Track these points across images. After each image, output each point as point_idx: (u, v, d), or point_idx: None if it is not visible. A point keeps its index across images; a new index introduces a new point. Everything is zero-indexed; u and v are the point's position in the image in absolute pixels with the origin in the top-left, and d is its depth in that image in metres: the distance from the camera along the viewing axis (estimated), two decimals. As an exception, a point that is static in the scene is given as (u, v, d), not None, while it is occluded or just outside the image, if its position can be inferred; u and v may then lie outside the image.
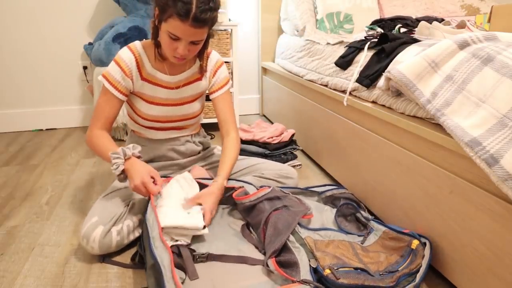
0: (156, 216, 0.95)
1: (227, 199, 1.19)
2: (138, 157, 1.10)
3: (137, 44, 1.17)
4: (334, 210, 1.21)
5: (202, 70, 1.25)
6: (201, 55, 1.20)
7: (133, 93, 1.20)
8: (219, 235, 1.06)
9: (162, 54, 1.16)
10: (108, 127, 1.17)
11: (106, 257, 1.04)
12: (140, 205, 1.13)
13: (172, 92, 1.22)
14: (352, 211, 1.17)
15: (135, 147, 1.10)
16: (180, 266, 0.87)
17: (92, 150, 1.18)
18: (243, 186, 1.18)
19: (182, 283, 0.83)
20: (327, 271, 0.87)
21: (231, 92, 1.35)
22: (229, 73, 2.22)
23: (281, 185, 1.33)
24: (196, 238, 1.01)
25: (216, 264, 0.93)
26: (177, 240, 0.96)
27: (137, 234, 1.10)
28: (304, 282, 0.83)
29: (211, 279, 0.87)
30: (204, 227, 0.99)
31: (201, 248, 0.98)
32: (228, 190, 1.18)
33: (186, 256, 0.90)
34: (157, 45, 1.14)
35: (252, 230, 1.09)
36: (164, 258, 0.82)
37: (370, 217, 1.12)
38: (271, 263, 0.89)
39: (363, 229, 1.12)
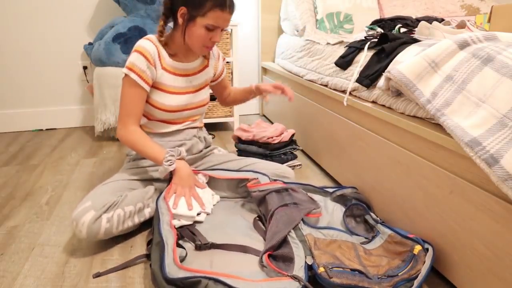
0: (167, 205, 1.08)
1: (242, 190, 1.30)
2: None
3: (153, 37, 1.21)
4: (344, 209, 1.21)
5: (208, 57, 1.36)
6: None
7: (153, 84, 1.22)
8: (232, 227, 1.12)
9: (175, 51, 1.24)
10: (139, 121, 1.22)
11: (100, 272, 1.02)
12: (134, 197, 1.13)
13: (189, 79, 1.28)
14: (362, 212, 1.17)
15: (182, 150, 1.22)
16: (190, 237, 1.05)
17: (129, 146, 1.22)
18: (257, 178, 1.24)
19: (182, 261, 0.95)
20: (321, 269, 0.88)
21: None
22: (229, 73, 2.22)
23: None
24: (209, 226, 1.12)
25: (218, 251, 1.01)
26: (179, 220, 1.09)
27: (126, 226, 1.10)
28: (293, 277, 0.84)
29: (210, 261, 0.96)
30: (198, 214, 1.12)
31: (213, 235, 1.07)
32: (242, 181, 1.28)
33: (196, 232, 1.08)
34: (166, 43, 1.22)
35: (264, 222, 1.15)
36: (169, 238, 0.95)
37: (379, 219, 1.12)
38: (264, 258, 0.92)
39: (370, 231, 1.12)
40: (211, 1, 1.09)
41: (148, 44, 1.18)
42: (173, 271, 0.82)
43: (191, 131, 1.35)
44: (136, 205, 1.13)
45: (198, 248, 1.01)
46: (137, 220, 1.14)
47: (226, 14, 1.12)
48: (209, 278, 0.79)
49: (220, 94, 1.53)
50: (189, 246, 1.02)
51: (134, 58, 1.16)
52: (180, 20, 1.14)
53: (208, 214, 1.16)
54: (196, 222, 1.12)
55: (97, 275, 0.99)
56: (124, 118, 1.18)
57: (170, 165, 1.13)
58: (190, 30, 1.15)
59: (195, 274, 0.80)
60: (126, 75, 1.16)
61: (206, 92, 1.36)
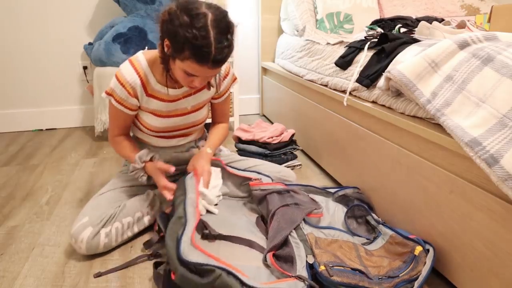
0: (196, 183, 1.08)
1: (244, 189, 1.30)
2: (151, 160, 1.16)
3: (141, 60, 1.09)
4: (345, 210, 1.21)
5: (208, 85, 1.18)
6: None
7: (140, 108, 1.17)
8: (236, 223, 1.12)
9: (172, 76, 1.11)
10: (126, 133, 1.22)
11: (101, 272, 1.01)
12: (132, 207, 1.13)
13: (178, 103, 1.18)
14: (363, 213, 1.17)
15: (148, 153, 1.16)
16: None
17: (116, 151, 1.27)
18: (260, 178, 1.24)
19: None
20: (321, 268, 0.88)
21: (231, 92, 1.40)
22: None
23: None
24: (215, 220, 1.11)
25: (225, 243, 1.00)
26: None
27: (125, 237, 1.11)
28: (299, 278, 0.84)
29: (217, 252, 0.95)
30: (216, 205, 1.15)
31: (218, 228, 1.05)
32: (245, 180, 1.28)
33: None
34: (167, 69, 1.07)
35: (265, 223, 1.15)
36: (191, 219, 0.93)
37: (380, 220, 1.12)
38: (269, 257, 0.92)
39: (372, 232, 1.12)
40: (189, 50, 0.90)
41: (129, 74, 1.07)
42: (188, 251, 0.82)
43: (187, 144, 1.32)
44: (135, 215, 1.13)
45: (205, 237, 0.99)
46: (136, 229, 1.14)
47: (205, 69, 0.94)
48: (223, 269, 0.78)
49: (213, 113, 1.35)
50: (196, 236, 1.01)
51: (114, 85, 1.08)
52: (166, 49, 0.98)
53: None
54: (208, 212, 1.12)
55: (98, 275, 0.99)
56: (111, 129, 1.20)
57: (141, 178, 1.16)
58: (172, 65, 1.00)
59: (210, 262, 0.80)
60: (108, 99, 1.12)
61: (203, 112, 1.26)
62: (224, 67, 1.23)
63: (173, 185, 1.10)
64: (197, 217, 0.95)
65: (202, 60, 0.91)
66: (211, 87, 1.20)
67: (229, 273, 0.78)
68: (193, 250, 0.83)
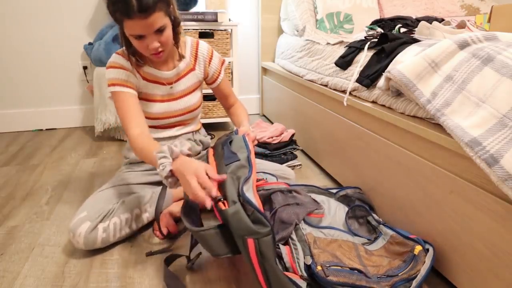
0: (250, 142, 1.06)
1: None
2: (188, 155, 0.95)
3: (121, 51, 1.15)
4: (347, 210, 1.21)
5: (181, 57, 1.22)
6: (177, 43, 1.16)
7: (139, 92, 1.19)
8: None
9: (140, 58, 1.16)
10: (141, 124, 1.08)
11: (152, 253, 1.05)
12: (130, 204, 1.13)
13: (171, 86, 1.22)
14: (364, 214, 1.17)
15: (182, 143, 0.96)
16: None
17: (137, 155, 1.06)
18: (265, 179, 1.24)
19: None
20: (318, 268, 0.88)
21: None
22: (229, 73, 2.22)
23: None
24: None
25: None
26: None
27: (123, 233, 1.10)
28: (302, 278, 0.85)
29: None
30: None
31: None
32: None
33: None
34: (133, 53, 1.14)
35: None
36: (251, 170, 0.93)
37: (381, 220, 1.12)
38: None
39: (373, 232, 1.12)
40: (115, 10, 0.97)
41: (118, 57, 1.14)
42: (248, 194, 0.85)
43: (185, 135, 1.33)
44: (133, 211, 1.13)
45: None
46: (135, 226, 1.14)
47: (137, 20, 0.97)
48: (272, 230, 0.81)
49: (220, 100, 1.39)
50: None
51: (111, 74, 1.12)
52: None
53: None
54: None
55: (150, 253, 1.05)
56: (128, 127, 1.08)
57: (163, 170, 0.89)
58: (132, 42, 1.07)
59: (257, 207, 0.82)
60: (111, 92, 1.12)
61: (195, 97, 1.29)
62: (205, 50, 1.28)
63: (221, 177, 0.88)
64: (254, 170, 0.95)
65: (128, 12, 0.95)
66: (182, 57, 1.22)
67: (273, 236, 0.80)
68: (252, 196, 0.85)
